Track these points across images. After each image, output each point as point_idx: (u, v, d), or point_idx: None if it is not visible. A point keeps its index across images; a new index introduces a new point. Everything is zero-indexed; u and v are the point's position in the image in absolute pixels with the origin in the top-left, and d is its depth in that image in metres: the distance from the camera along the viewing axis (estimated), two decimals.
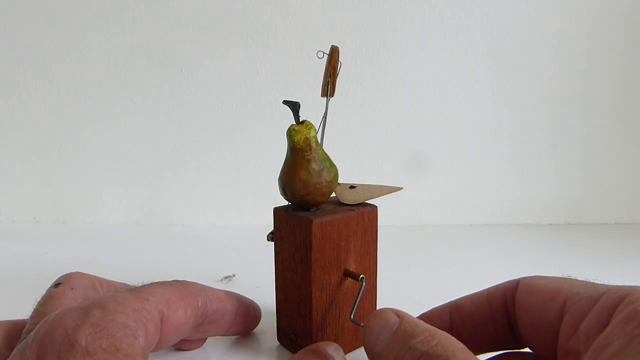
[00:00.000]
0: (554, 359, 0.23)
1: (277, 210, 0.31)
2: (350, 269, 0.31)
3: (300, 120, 0.30)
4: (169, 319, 0.25)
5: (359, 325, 0.27)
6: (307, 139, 0.30)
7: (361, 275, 0.30)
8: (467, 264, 0.53)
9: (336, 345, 0.29)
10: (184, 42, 0.65)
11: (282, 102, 0.30)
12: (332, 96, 0.32)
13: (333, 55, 0.31)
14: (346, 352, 0.32)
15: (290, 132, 0.30)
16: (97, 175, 0.67)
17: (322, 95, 0.33)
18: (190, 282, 0.29)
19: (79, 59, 0.65)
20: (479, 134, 0.68)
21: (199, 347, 0.33)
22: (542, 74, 0.67)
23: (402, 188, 0.31)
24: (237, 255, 0.54)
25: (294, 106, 0.30)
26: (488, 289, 0.27)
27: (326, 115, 0.33)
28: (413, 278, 0.48)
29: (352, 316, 0.29)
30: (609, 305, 0.20)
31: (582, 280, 0.24)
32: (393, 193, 0.33)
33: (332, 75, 0.32)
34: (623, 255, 0.58)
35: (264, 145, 0.67)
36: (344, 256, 0.31)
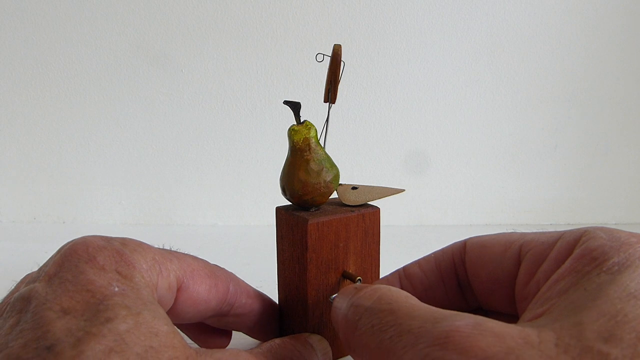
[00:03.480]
0: (508, 312, 0.23)
1: (278, 210, 0.32)
2: (350, 271, 0.31)
3: (301, 120, 0.30)
4: (189, 290, 0.25)
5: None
6: (306, 139, 0.30)
7: (358, 277, 0.30)
8: None
9: (320, 337, 0.29)
10: (184, 42, 0.65)
11: (283, 102, 0.30)
12: (334, 103, 0.32)
13: (334, 57, 0.30)
14: (343, 355, 0.32)
15: (290, 132, 0.30)
16: (97, 176, 0.67)
17: (325, 102, 0.32)
18: (226, 270, 0.29)
19: (79, 59, 0.65)
20: (479, 134, 0.68)
21: (224, 345, 0.32)
22: (542, 74, 0.67)
23: (404, 190, 0.31)
24: (237, 255, 0.54)
25: (295, 106, 0.30)
26: (435, 253, 0.27)
27: (328, 120, 0.32)
28: None
29: (331, 298, 0.29)
30: (565, 246, 0.20)
31: (530, 232, 0.23)
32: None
33: (333, 81, 0.31)
34: None
35: (264, 145, 0.67)
36: (343, 258, 0.30)
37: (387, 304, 0.19)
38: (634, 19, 0.66)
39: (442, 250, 0.27)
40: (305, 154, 0.30)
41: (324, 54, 0.31)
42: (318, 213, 0.30)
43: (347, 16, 0.64)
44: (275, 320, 0.32)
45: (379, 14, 0.64)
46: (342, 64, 0.30)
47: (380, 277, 0.33)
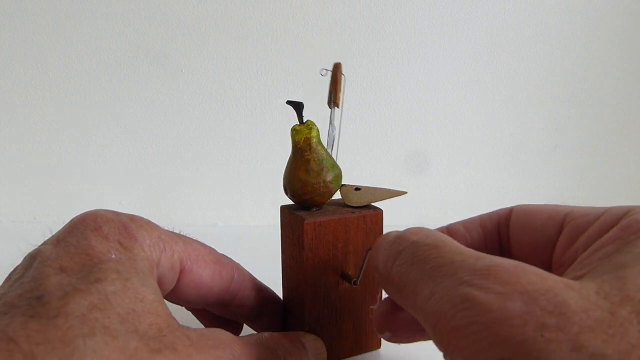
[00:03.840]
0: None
1: (282, 209, 0.32)
2: (349, 273, 0.31)
3: (304, 120, 0.30)
4: (192, 272, 0.26)
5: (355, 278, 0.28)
6: (307, 139, 0.30)
7: (354, 279, 0.30)
8: None
9: (315, 337, 0.29)
10: (184, 42, 0.65)
11: (286, 102, 0.31)
12: (337, 107, 0.33)
13: (335, 72, 0.33)
14: (343, 356, 0.32)
15: (292, 132, 0.30)
16: (97, 176, 0.67)
17: (329, 106, 0.34)
18: (233, 260, 0.30)
19: (79, 59, 0.65)
20: (479, 134, 0.68)
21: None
22: (542, 74, 0.67)
23: (406, 192, 0.31)
24: (237, 255, 0.54)
25: (298, 106, 0.30)
26: (480, 216, 0.27)
27: (332, 123, 0.33)
28: None
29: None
30: (610, 218, 0.19)
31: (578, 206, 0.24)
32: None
33: (334, 91, 0.33)
34: None
35: (264, 145, 0.67)
36: (342, 259, 0.30)
37: (433, 240, 0.20)
38: (634, 19, 0.66)
39: (488, 213, 0.27)
40: (305, 153, 0.30)
41: (327, 70, 0.34)
42: (318, 213, 0.30)
43: (347, 16, 0.64)
44: (279, 316, 0.32)
45: (379, 14, 0.64)
46: (342, 77, 0.33)
47: None
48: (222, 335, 0.22)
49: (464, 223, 0.27)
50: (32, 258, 0.21)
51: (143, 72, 0.65)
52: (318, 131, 0.30)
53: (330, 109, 0.33)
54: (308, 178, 0.30)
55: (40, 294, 0.18)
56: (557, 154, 0.69)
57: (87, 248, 0.21)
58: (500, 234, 0.26)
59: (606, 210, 0.20)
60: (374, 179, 0.66)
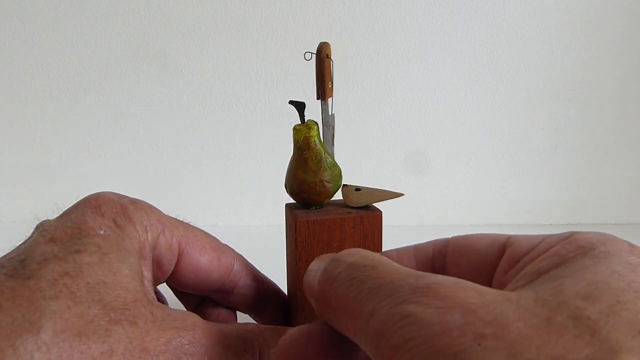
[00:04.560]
0: None
1: (286, 206, 0.32)
2: None
3: (305, 120, 0.31)
4: (190, 257, 0.27)
5: None
6: (306, 138, 0.30)
7: None
8: None
9: None
10: (184, 42, 0.65)
11: (289, 102, 0.31)
12: (325, 99, 0.32)
13: (318, 55, 0.31)
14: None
15: (293, 131, 0.31)
16: (97, 175, 0.67)
17: (317, 99, 0.32)
18: (235, 251, 0.30)
19: (79, 59, 0.65)
20: (479, 134, 0.68)
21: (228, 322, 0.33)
22: (542, 74, 0.67)
23: (403, 194, 0.31)
24: None
25: (300, 106, 0.31)
26: (415, 245, 0.26)
27: (324, 118, 0.33)
28: None
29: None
30: (554, 240, 0.19)
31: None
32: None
33: (319, 79, 0.31)
34: None
35: (264, 145, 0.67)
36: None
37: (370, 261, 0.19)
38: (634, 19, 0.66)
39: (423, 243, 0.27)
40: (304, 152, 0.30)
41: (312, 53, 0.31)
42: (315, 212, 0.31)
43: (347, 16, 0.64)
44: (282, 311, 0.33)
45: (379, 14, 0.64)
46: (331, 62, 0.31)
47: None
48: (190, 317, 0.22)
49: (398, 251, 0.27)
50: (36, 228, 0.23)
51: (143, 72, 0.65)
52: (318, 131, 0.31)
53: (321, 103, 0.32)
54: (305, 177, 0.30)
55: (24, 257, 0.20)
56: (557, 154, 0.69)
57: (80, 223, 0.23)
58: (434, 263, 0.25)
59: (549, 235, 0.20)
60: (374, 179, 0.66)
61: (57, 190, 0.67)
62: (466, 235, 0.25)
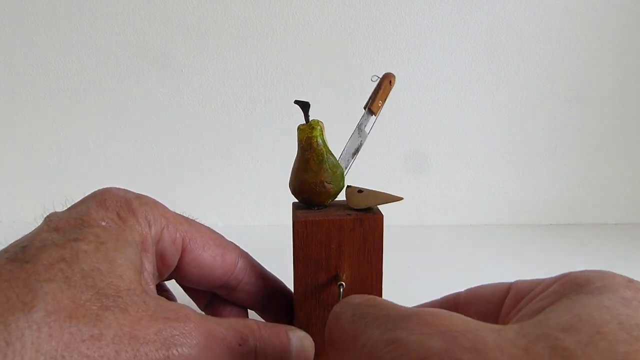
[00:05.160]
0: None
1: (292, 205, 0.33)
2: (343, 275, 0.31)
3: (310, 119, 0.31)
4: (194, 252, 0.28)
5: None
6: (309, 138, 0.30)
7: (339, 282, 0.30)
8: (467, 264, 0.53)
9: (305, 334, 0.28)
10: (184, 42, 0.65)
11: (294, 102, 0.31)
12: (373, 114, 0.35)
13: (382, 80, 0.35)
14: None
15: (297, 131, 0.31)
16: (97, 175, 0.67)
17: (364, 107, 0.35)
18: (240, 248, 0.31)
19: (79, 59, 0.65)
20: (479, 134, 0.68)
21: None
22: (542, 74, 0.67)
23: (402, 198, 0.31)
24: None
25: (304, 106, 0.31)
26: (431, 302, 0.28)
27: (359, 128, 0.35)
28: (413, 278, 0.48)
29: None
30: (554, 279, 0.20)
31: None
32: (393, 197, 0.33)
33: (374, 97, 0.35)
34: (623, 255, 0.58)
35: (264, 145, 0.67)
36: (336, 260, 0.30)
37: (373, 301, 0.21)
38: (634, 19, 0.66)
39: (432, 301, 0.28)
40: (306, 152, 0.30)
41: (377, 76, 0.37)
42: (316, 212, 0.31)
43: (347, 16, 0.64)
44: (287, 309, 0.33)
45: (379, 14, 0.64)
46: (390, 88, 0.36)
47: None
48: (183, 310, 0.22)
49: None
50: (44, 219, 0.24)
51: (143, 72, 0.65)
52: (321, 131, 0.31)
53: (364, 113, 0.35)
54: (306, 177, 0.30)
55: (26, 244, 0.21)
56: (557, 154, 0.69)
57: (83, 214, 0.24)
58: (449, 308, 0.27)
59: (550, 277, 0.21)
60: (374, 179, 0.66)
61: (57, 190, 0.67)
62: (475, 287, 0.26)
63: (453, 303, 0.26)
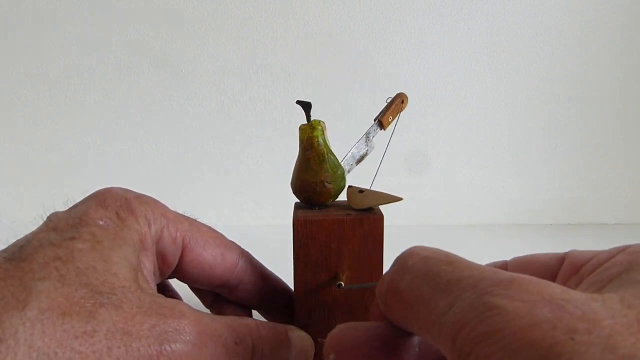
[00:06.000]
0: None
1: (294, 205, 0.32)
2: (343, 275, 0.30)
3: (311, 119, 0.31)
4: (194, 251, 0.28)
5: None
6: (310, 138, 0.30)
7: (338, 282, 0.30)
8: None
9: (305, 335, 0.28)
10: (184, 42, 0.65)
11: (296, 102, 0.31)
12: (382, 128, 0.37)
13: (395, 98, 0.36)
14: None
15: (299, 131, 0.31)
16: (97, 175, 0.67)
17: (374, 120, 0.38)
18: (241, 248, 0.31)
19: (79, 59, 0.65)
20: (479, 134, 0.68)
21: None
22: (542, 74, 0.67)
23: (402, 198, 0.31)
24: None
25: (306, 106, 0.31)
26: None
27: (368, 137, 0.36)
28: None
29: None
30: (614, 250, 0.20)
31: None
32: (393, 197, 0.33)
33: (385, 110, 0.37)
34: None
35: (264, 145, 0.67)
36: (336, 260, 0.30)
37: (445, 256, 0.19)
38: (634, 19, 0.66)
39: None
40: (307, 152, 0.30)
41: (391, 97, 0.38)
42: (316, 212, 0.31)
43: (347, 16, 0.64)
44: (289, 308, 0.33)
45: (379, 14, 0.64)
46: (402, 106, 0.37)
47: None
48: (178, 306, 0.22)
49: None
50: (47, 218, 0.25)
51: (143, 72, 0.65)
52: (322, 131, 0.31)
53: (374, 124, 0.36)
54: (307, 177, 0.30)
55: (23, 244, 0.21)
56: (557, 154, 0.69)
57: (83, 214, 0.24)
58: None
59: (607, 249, 0.21)
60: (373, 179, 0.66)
61: (57, 190, 0.67)
62: (525, 255, 0.25)
63: (500, 266, 0.25)
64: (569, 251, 0.22)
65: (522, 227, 0.69)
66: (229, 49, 0.65)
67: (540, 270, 0.23)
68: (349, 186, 0.32)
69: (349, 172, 0.34)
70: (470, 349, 0.15)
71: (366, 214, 0.31)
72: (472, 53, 0.66)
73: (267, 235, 0.63)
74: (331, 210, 0.31)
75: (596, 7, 0.65)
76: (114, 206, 0.25)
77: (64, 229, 0.23)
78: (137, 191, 0.28)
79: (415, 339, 0.21)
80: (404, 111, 0.68)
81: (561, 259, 0.22)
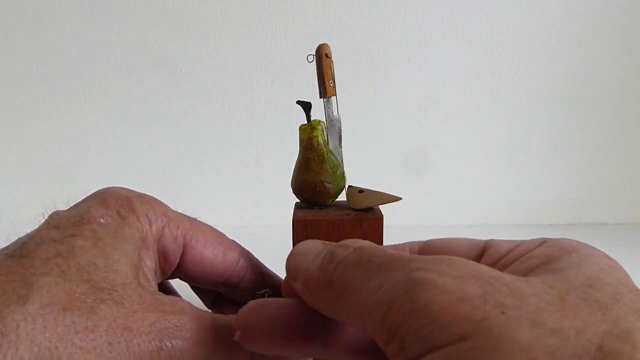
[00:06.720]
0: None
1: (294, 205, 0.33)
2: None
3: (311, 119, 0.31)
4: (195, 250, 0.28)
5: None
6: (309, 138, 0.30)
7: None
8: None
9: None
10: (184, 42, 0.65)
11: (296, 102, 0.31)
12: (326, 97, 0.33)
13: (317, 56, 0.33)
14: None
15: (299, 131, 0.31)
16: (97, 175, 0.67)
17: (320, 97, 0.33)
18: (242, 247, 0.31)
19: (79, 59, 0.65)
20: (479, 134, 0.68)
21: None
22: (543, 74, 0.67)
23: (402, 198, 0.31)
24: None
25: (306, 106, 0.31)
26: (391, 245, 0.26)
27: (328, 116, 0.33)
28: None
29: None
30: (533, 242, 0.20)
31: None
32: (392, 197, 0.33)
33: (319, 77, 0.33)
34: (623, 255, 0.57)
35: (264, 145, 0.67)
36: None
37: (377, 246, 0.20)
38: (634, 19, 0.66)
39: (398, 244, 0.27)
40: (307, 152, 0.31)
41: (313, 55, 0.33)
42: (316, 212, 0.31)
43: (347, 16, 0.64)
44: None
45: (379, 14, 0.64)
46: (331, 61, 0.32)
47: None
48: (179, 303, 0.22)
49: None
50: (49, 216, 0.25)
51: (143, 72, 0.65)
52: (322, 131, 0.31)
53: (323, 102, 0.33)
54: (306, 177, 0.30)
55: (25, 241, 0.22)
56: (557, 154, 0.69)
57: (84, 213, 0.24)
58: None
59: (524, 240, 0.21)
60: (374, 179, 0.66)
61: (57, 190, 0.67)
62: (443, 238, 0.25)
63: (419, 251, 0.25)
64: (488, 240, 0.23)
65: (522, 227, 0.69)
66: (229, 49, 0.65)
67: (460, 256, 0.23)
68: (349, 186, 0.32)
69: (341, 160, 0.34)
70: (400, 325, 0.15)
71: (366, 214, 0.31)
72: (472, 53, 0.66)
73: (267, 235, 0.63)
74: (331, 210, 0.31)
75: (596, 7, 0.65)
76: (115, 205, 0.25)
77: (65, 227, 0.23)
78: (138, 191, 0.28)
79: (327, 319, 0.21)
80: (400, 108, 0.68)
81: (481, 247, 0.23)
